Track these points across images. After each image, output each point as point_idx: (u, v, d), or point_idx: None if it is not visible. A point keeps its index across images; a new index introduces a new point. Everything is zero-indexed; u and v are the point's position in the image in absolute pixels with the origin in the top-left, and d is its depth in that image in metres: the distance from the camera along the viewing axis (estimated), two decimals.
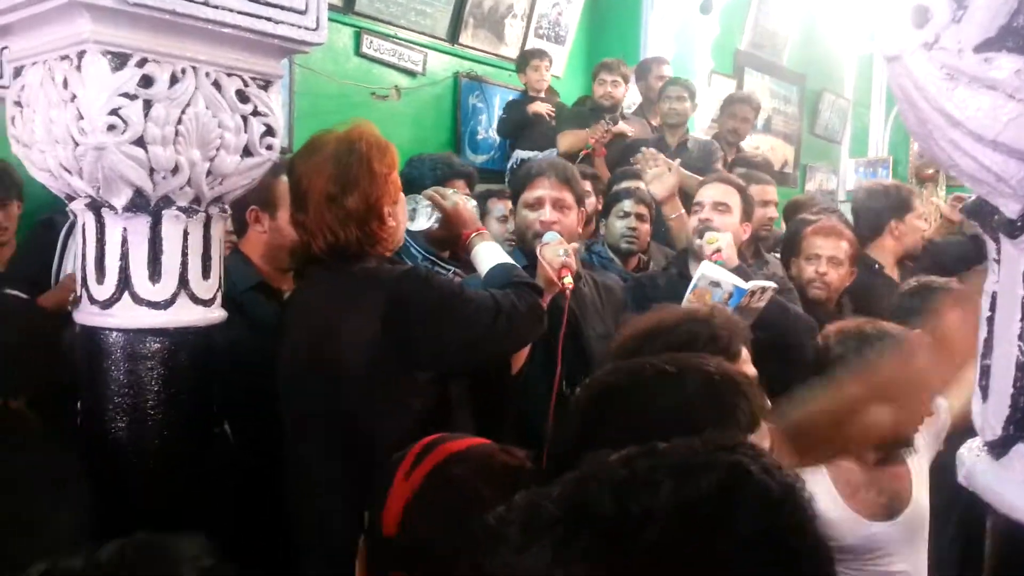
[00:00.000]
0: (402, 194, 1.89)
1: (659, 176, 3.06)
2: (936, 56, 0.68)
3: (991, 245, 0.78)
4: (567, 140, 4.43)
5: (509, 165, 4.89)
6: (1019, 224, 0.70)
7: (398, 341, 1.69)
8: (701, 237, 2.47)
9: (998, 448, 0.75)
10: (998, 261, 0.77)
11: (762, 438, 1.08)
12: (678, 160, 3.42)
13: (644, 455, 0.72)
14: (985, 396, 0.79)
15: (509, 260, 1.95)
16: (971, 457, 0.80)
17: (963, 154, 0.70)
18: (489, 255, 1.96)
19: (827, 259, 2.72)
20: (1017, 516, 0.72)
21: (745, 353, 1.61)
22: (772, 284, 2.28)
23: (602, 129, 4.30)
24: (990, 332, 0.78)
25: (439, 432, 1.19)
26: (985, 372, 0.79)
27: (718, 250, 2.35)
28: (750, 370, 1.60)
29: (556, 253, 2.07)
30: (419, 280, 1.74)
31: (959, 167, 0.72)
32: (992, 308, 0.78)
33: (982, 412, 0.78)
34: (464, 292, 1.77)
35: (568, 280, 2.03)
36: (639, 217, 3.14)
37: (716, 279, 2.18)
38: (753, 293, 2.21)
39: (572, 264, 2.07)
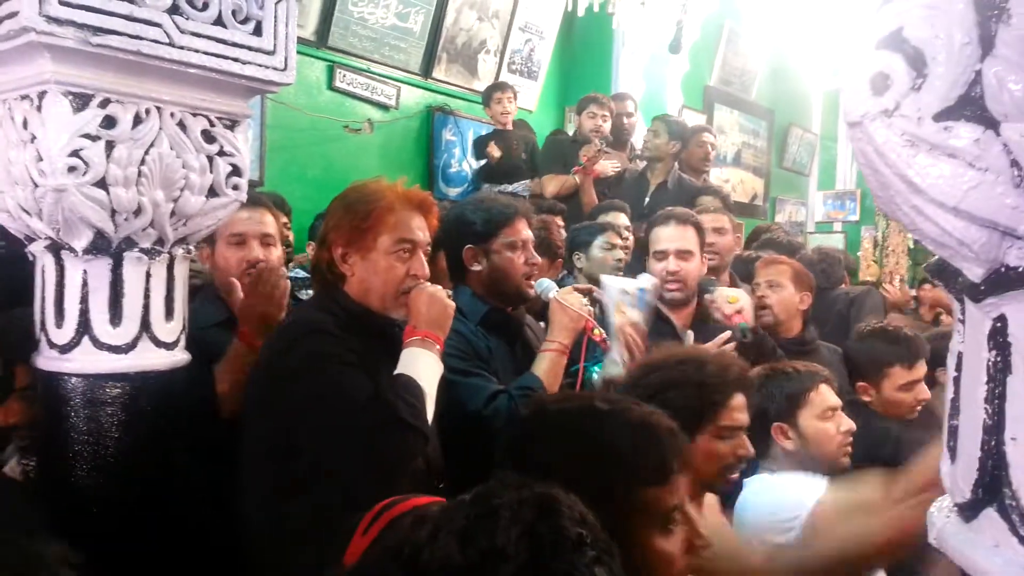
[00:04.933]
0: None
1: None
2: (896, 123, 0.68)
3: (956, 306, 0.79)
4: (553, 185, 4.44)
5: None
6: (982, 288, 0.71)
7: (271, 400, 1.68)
8: (709, 293, 2.54)
9: (967, 511, 0.74)
10: (963, 322, 0.77)
11: (672, 492, 1.14)
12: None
13: (467, 504, 0.80)
14: (953, 457, 0.78)
15: (426, 380, 1.70)
16: (941, 518, 0.79)
17: (925, 219, 0.70)
18: (414, 362, 1.72)
19: (765, 283, 2.84)
20: None
21: (739, 400, 1.62)
22: (655, 279, 2.39)
23: (594, 149, 4.32)
24: (956, 393, 0.78)
25: None
26: (953, 433, 0.78)
27: (739, 311, 2.41)
28: (743, 418, 1.62)
29: (582, 301, 2.12)
30: (299, 349, 1.66)
31: (922, 231, 0.72)
32: (958, 368, 0.78)
33: (951, 473, 0.78)
34: (340, 376, 1.63)
35: (598, 331, 2.11)
36: (624, 249, 3.32)
37: (623, 287, 2.26)
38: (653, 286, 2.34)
39: (591, 307, 2.14)
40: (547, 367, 2.04)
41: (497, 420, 1.92)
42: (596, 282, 3.24)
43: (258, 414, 1.71)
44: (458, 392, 1.93)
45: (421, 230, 1.82)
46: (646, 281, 2.30)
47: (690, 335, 2.50)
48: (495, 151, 4.70)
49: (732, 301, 2.43)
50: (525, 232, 2.21)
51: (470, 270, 2.19)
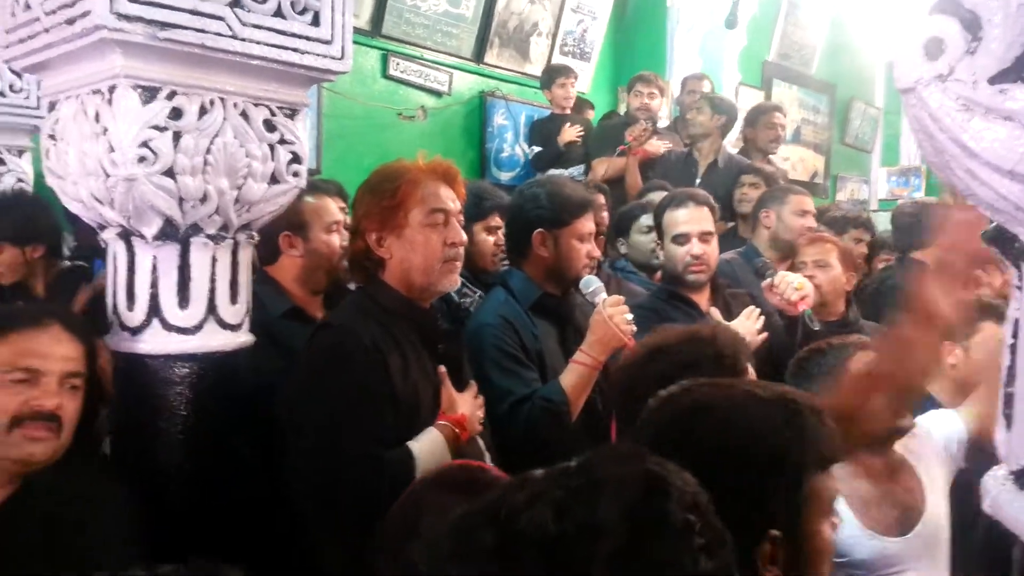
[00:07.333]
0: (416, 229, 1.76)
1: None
2: (951, 87, 0.68)
3: (1013, 271, 0.77)
4: (602, 168, 4.40)
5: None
6: None
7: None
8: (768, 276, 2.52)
9: (1023, 478, 0.74)
10: (1020, 288, 0.76)
11: (833, 478, 1.07)
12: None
13: (569, 473, 0.76)
14: (1009, 425, 0.77)
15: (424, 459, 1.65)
16: (996, 486, 0.78)
17: (981, 184, 0.70)
18: (431, 446, 1.68)
19: (812, 263, 2.77)
20: None
21: (751, 371, 1.61)
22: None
23: (640, 128, 4.27)
24: (1013, 360, 0.77)
25: None
26: (1008, 400, 0.77)
27: (804, 297, 2.40)
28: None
29: (625, 317, 2.05)
30: (313, 364, 1.70)
31: (977, 196, 0.71)
32: (1015, 335, 0.77)
33: (1006, 441, 0.77)
34: (341, 409, 1.60)
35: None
36: None
37: (595, 287, 2.17)
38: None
39: (634, 327, 2.06)
40: (575, 381, 2.00)
41: (514, 428, 1.94)
42: (641, 266, 3.22)
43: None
44: (491, 388, 1.93)
45: (451, 199, 1.79)
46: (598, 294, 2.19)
47: (715, 312, 2.47)
48: (570, 135, 4.67)
49: (799, 288, 2.40)
50: (590, 225, 2.24)
51: (534, 252, 2.20)
